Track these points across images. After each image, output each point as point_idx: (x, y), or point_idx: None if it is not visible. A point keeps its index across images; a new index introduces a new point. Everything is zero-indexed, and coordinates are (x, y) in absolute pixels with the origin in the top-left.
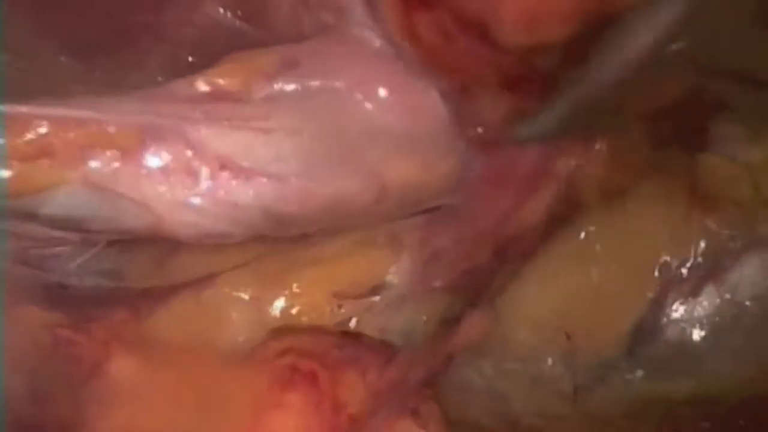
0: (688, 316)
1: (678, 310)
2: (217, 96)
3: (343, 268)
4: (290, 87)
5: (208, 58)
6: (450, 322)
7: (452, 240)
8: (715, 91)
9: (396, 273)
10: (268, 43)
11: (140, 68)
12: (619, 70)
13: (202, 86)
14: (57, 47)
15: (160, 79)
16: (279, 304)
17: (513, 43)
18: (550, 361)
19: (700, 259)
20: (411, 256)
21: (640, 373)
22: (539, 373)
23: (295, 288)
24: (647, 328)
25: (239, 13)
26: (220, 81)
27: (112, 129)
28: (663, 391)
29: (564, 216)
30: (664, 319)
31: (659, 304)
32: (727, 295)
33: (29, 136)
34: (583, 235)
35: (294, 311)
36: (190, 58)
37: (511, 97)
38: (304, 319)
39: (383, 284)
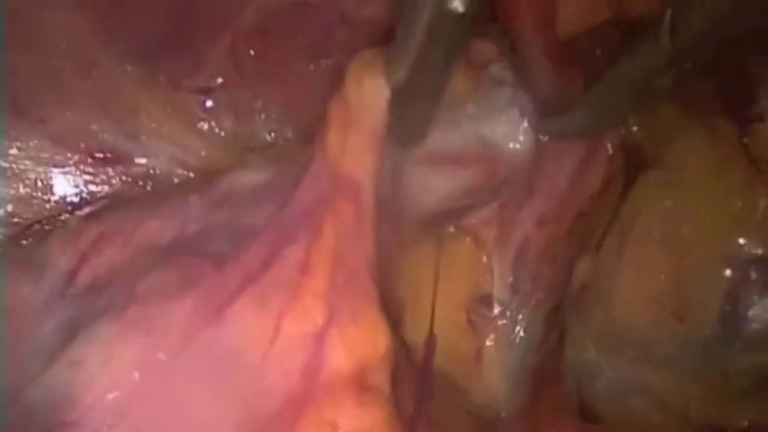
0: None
1: (755, 303)
2: None
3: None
4: None
5: (268, 50)
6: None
7: (531, 224)
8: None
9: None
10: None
11: (200, 67)
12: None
13: None
14: (121, 55)
15: (219, 80)
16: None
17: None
18: (666, 345)
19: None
20: (499, 261)
21: (739, 349)
22: (663, 358)
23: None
24: (730, 314)
25: None
26: None
27: None
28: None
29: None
30: (743, 309)
31: (734, 297)
32: None
33: None
34: (658, 229)
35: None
36: (251, 51)
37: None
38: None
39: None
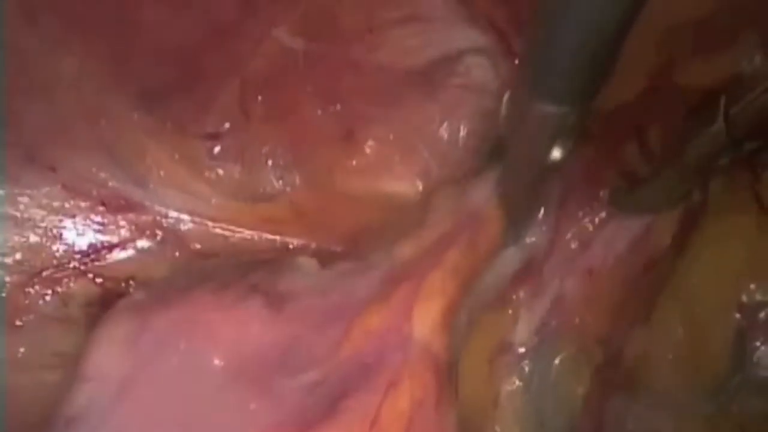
0: None
1: (760, 349)
2: None
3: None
4: None
5: (276, 95)
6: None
7: (579, 272)
8: None
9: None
10: (341, 60)
11: (207, 113)
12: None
13: None
14: (130, 102)
15: (227, 126)
16: None
17: None
18: (681, 391)
19: None
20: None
21: (749, 395)
22: (675, 403)
23: None
24: (738, 361)
25: (308, 34)
26: None
27: None
28: None
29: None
30: (749, 356)
31: (741, 344)
32: None
33: None
34: (674, 273)
35: None
36: (259, 97)
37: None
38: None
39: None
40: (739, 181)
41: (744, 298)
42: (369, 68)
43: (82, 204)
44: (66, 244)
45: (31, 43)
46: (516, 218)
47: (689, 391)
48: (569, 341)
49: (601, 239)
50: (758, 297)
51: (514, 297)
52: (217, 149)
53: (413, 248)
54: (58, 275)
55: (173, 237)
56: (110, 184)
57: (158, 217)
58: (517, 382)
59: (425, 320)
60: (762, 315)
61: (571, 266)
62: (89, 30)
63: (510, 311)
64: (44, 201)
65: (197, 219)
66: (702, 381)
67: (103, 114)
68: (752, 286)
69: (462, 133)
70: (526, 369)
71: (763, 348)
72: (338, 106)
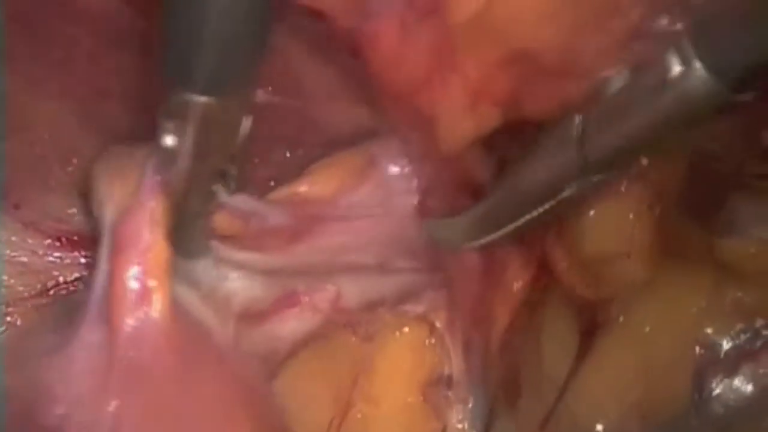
0: (731, 392)
1: (720, 386)
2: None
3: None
4: None
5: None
6: None
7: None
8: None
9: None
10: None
11: None
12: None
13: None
14: (100, 142)
15: None
16: None
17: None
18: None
19: (735, 334)
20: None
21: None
22: None
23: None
24: (697, 401)
25: (275, 89)
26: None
27: None
28: None
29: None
30: (708, 393)
31: (700, 381)
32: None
33: None
34: (625, 321)
35: None
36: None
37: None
38: None
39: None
40: (694, 241)
41: (703, 337)
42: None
43: (43, 240)
44: (25, 279)
45: (10, 83)
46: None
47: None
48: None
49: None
50: (715, 341)
51: (423, 316)
52: None
53: None
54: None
55: None
56: (76, 219)
57: None
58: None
59: None
60: (720, 358)
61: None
62: (67, 72)
63: (433, 340)
64: (4, 237)
65: None
66: (656, 423)
67: (75, 154)
68: (709, 331)
69: None
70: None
71: (723, 383)
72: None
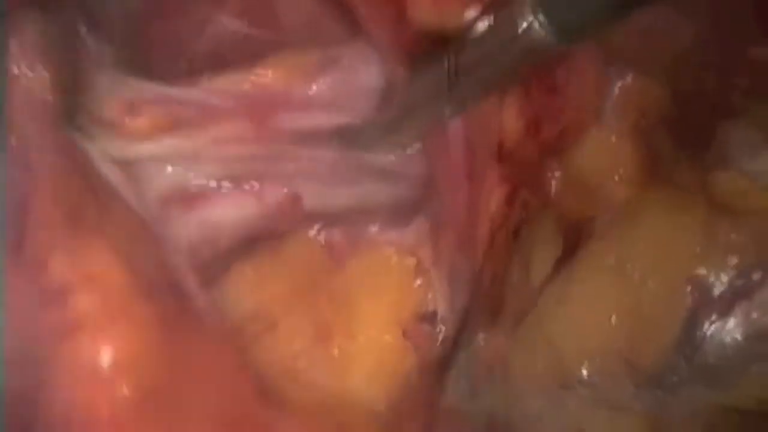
0: (723, 332)
1: (713, 326)
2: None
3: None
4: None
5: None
6: None
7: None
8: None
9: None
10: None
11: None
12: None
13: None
14: None
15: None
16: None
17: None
18: (616, 384)
19: (729, 275)
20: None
21: (694, 384)
22: (611, 397)
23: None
24: (687, 343)
25: (250, 20)
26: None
27: None
28: (723, 400)
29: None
30: (701, 335)
31: (693, 321)
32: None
33: None
34: (612, 257)
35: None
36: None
37: None
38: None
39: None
40: (685, 179)
41: (692, 286)
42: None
43: None
44: None
45: None
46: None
47: (624, 384)
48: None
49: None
50: (707, 282)
51: (410, 250)
52: None
53: None
54: None
55: None
56: None
57: None
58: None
59: None
60: (711, 302)
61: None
62: None
63: (419, 277)
64: None
65: None
66: (641, 372)
67: None
68: (702, 272)
69: None
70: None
71: (716, 325)
72: None
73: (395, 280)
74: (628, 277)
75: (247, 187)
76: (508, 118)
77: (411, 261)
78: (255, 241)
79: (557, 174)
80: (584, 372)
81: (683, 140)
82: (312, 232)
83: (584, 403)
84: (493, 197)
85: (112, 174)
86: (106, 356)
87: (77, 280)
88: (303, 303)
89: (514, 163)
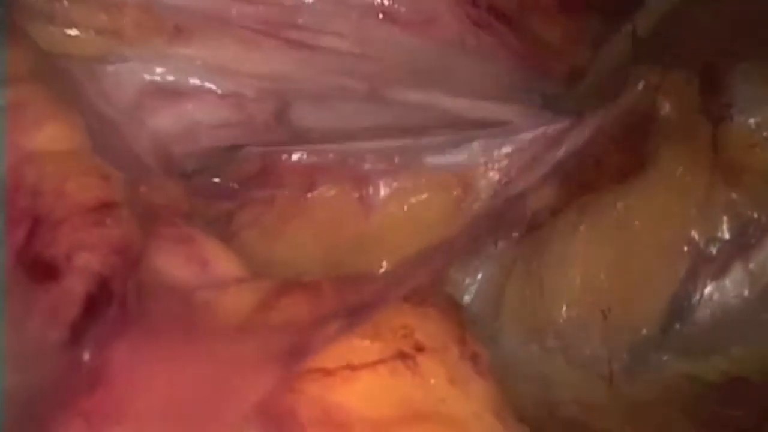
0: (719, 294)
1: (708, 288)
2: None
3: None
4: None
5: None
6: None
7: None
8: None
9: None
10: None
11: None
12: None
13: None
14: None
15: None
16: None
17: None
18: (589, 340)
19: (727, 235)
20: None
21: (674, 353)
22: (579, 355)
23: None
24: (680, 306)
25: None
26: None
27: None
28: (697, 371)
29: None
30: (696, 297)
31: (690, 282)
32: (756, 272)
33: None
34: (614, 208)
35: None
36: None
37: None
38: None
39: None
40: (699, 131)
41: (687, 249)
42: None
43: None
44: None
45: None
46: None
47: (594, 341)
48: None
49: None
50: (702, 248)
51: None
52: None
53: None
54: None
55: None
56: None
57: None
58: None
59: None
60: (703, 268)
61: None
62: None
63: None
64: None
65: None
66: (617, 332)
67: None
68: (696, 236)
69: None
70: None
71: (712, 285)
72: None
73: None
74: (628, 233)
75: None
76: None
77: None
78: (240, 149)
79: None
80: (561, 318)
81: (700, 87)
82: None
83: (553, 355)
84: None
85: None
86: None
87: None
88: (325, 246)
89: None
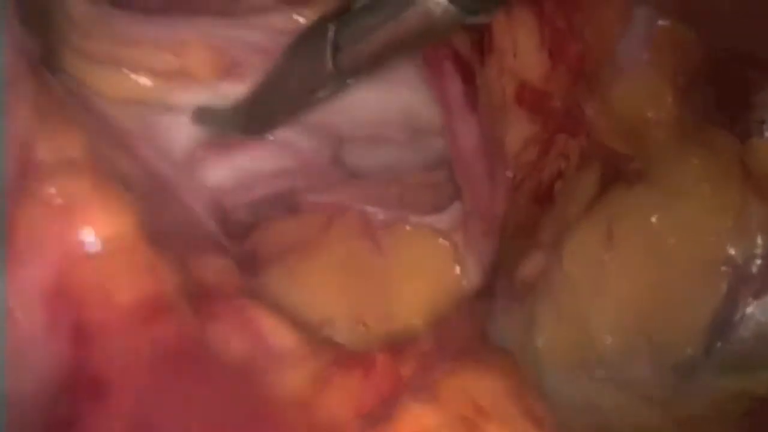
0: (760, 311)
1: (751, 305)
2: None
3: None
4: None
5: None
6: None
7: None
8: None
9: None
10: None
11: None
12: None
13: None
14: None
15: None
16: None
17: None
18: (636, 364)
19: (765, 251)
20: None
21: (720, 370)
22: (629, 379)
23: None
24: (722, 325)
25: None
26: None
27: None
28: (745, 387)
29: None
30: (738, 315)
31: (731, 301)
32: None
33: None
34: (642, 231)
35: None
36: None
37: None
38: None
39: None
40: (722, 146)
41: (724, 267)
42: None
43: None
44: None
45: None
46: None
47: (643, 366)
48: None
49: None
50: (739, 264)
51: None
52: None
53: None
54: None
55: None
56: None
57: None
58: None
59: None
60: (741, 285)
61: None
62: None
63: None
64: None
65: None
66: (663, 354)
67: None
68: (733, 252)
69: None
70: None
71: (753, 304)
72: None
73: (434, 265)
74: (662, 254)
75: (286, 139)
76: (527, 51)
77: (446, 245)
78: (292, 196)
79: (593, 108)
80: (605, 347)
81: (720, 101)
82: (354, 212)
83: (602, 384)
84: (518, 140)
85: (123, 120)
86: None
87: None
88: (340, 280)
89: (544, 102)
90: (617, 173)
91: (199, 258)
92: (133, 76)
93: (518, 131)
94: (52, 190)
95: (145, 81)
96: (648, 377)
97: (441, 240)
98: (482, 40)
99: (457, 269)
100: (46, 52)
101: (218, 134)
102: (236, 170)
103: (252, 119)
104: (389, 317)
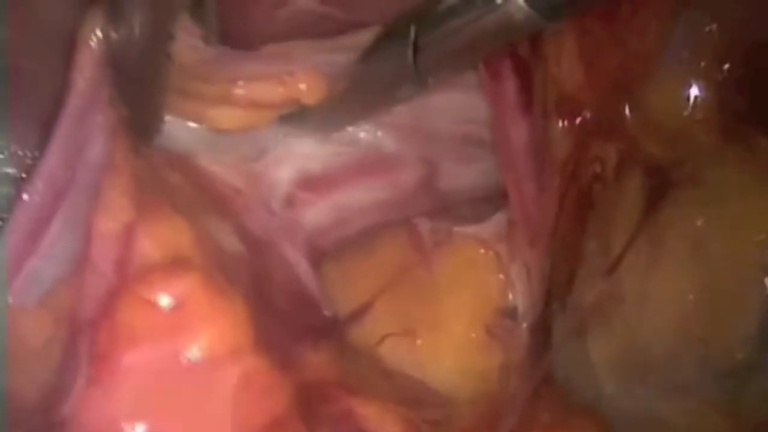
0: None
1: None
2: None
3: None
4: None
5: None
6: None
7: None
8: None
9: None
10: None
11: None
12: None
13: None
14: None
15: None
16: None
17: None
18: (690, 370)
19: None
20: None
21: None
22: (684, 385)
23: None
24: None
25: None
26: None
27: None
28: None
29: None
30: None
31: None
32: None
33: None
34: (685, 237)
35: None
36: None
37: None
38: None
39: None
40: (763, 150)
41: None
42: None
43: None
44: None
45: None
46: None
47: (695, 372)
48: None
49: None
50: None
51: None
52: None
53: None
54: None
55: None
56: None
57: None
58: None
59: None
60: None
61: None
62: None
63: (500, 272)
64: None
65: None
66: (715, 358)
67: None
68: None
69: None
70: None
71: None
72: None
73: (477, 275)
74: (706, 259)
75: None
76: (567, 61)
77: (491, 256)
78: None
79: (631, 113)
80: (658, 355)
81: (760, 105)
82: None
83: (658, 393)
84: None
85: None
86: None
87: None
88: (389, 294)
89: (577, 111)
90: (662, 180)
91: (302, 356)
92: (246, 110)
93: (558, 139)
94: (160, 293)
95: (259, 113)
96: (702, 383)
97: (484, 250)
98: (540, 44)
99: (502, 278)
100: (142, 125)
101: (302, 131)
102: (334, 207)
103: (334, 116)
104: (437, 328)
